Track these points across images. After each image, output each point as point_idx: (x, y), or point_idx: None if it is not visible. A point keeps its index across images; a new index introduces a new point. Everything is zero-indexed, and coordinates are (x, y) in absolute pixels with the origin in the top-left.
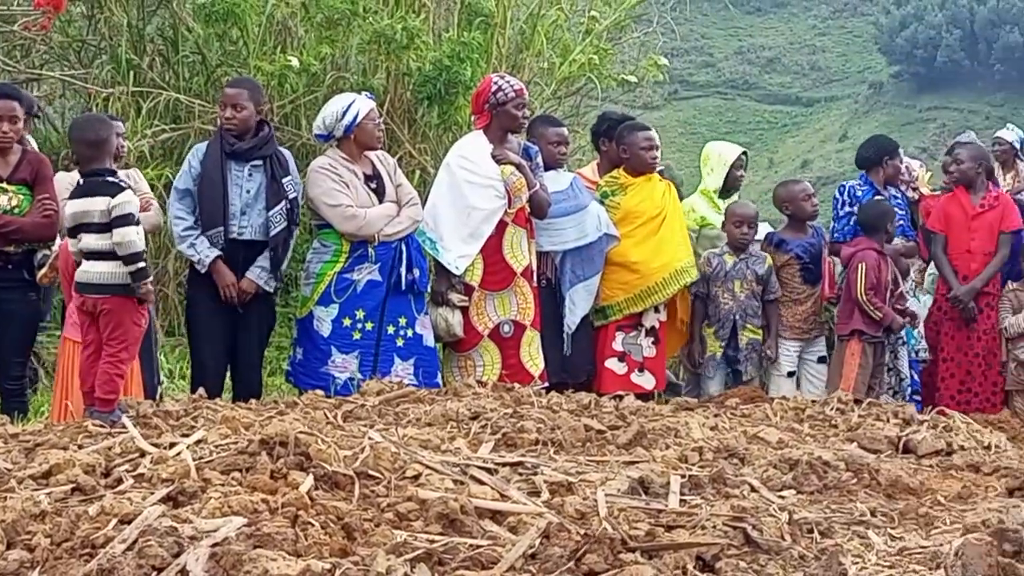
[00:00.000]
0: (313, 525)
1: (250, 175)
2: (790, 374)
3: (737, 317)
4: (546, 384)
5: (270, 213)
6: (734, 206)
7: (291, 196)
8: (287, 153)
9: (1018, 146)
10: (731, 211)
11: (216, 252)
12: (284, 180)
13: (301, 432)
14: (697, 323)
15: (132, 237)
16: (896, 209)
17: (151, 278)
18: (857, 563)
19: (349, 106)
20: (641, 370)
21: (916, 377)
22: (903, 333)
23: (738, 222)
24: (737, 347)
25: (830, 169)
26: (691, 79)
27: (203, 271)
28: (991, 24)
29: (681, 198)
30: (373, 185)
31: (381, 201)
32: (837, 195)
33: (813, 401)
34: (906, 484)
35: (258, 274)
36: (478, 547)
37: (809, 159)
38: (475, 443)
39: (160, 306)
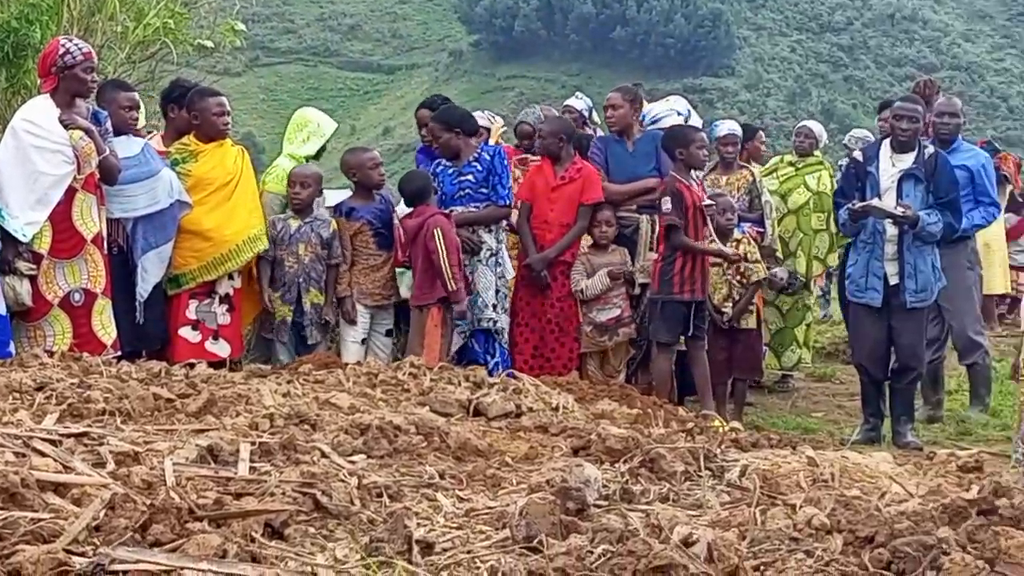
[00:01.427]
0: None
1: None
2: (363, 341)
3: (301, 280)
4: (119, 353)
5: None
6: (296, 168)
7: None
8: None
9: (587, 114)
10: (291, 173)
11: None
12: None
13: None
14: (264, 287)
15: None
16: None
17: None
18: (425, 525)
19: None
20: (216, 338)
21: (476, 347)
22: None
23: (292, 182)
24: (302, 311)
25: (411, 136)
26: (272, 45)
27: None
28: None
29: (261, 165)
30: None
31: None
32: None
33: (386, 366)
34: (475, 446)
35: None
36: (39, 521)
37: (391, 126)
38: (39, 414)
39: None
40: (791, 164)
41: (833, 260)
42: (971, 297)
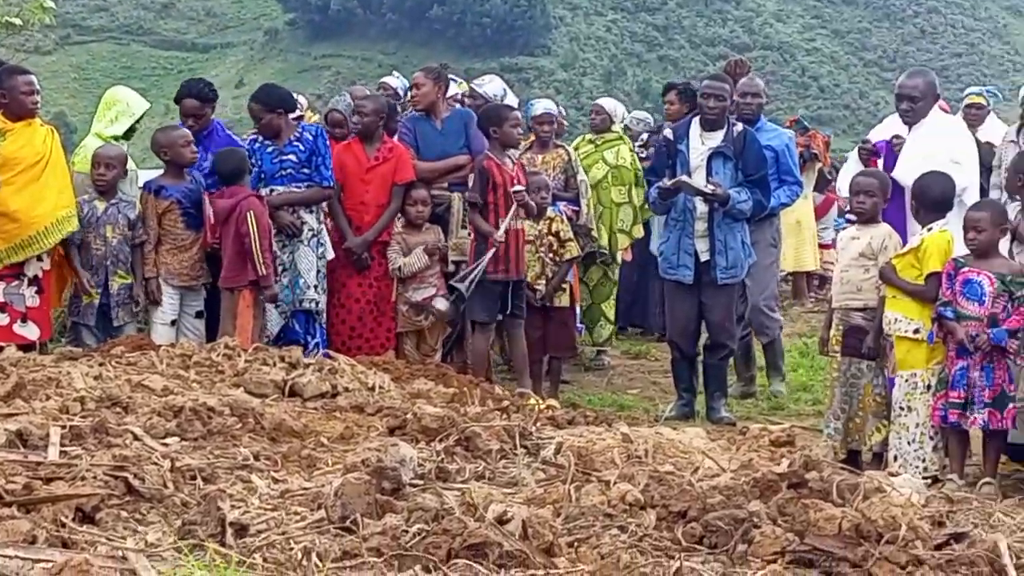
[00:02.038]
0: None
1: None
2: (173, 323)
3: (109, 263)
4: None
5: None
6: (99, 149)
7: None
8: None
9: (403, 93)
10: (95, 154)
11: None
12: None
13: None
14: (80, 270)
15: None
16: None
17: None
18: (239, 507)
19: None
20: (24, 320)
21: (297, 327)
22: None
23: (96, 163)
24: (109, 294)
25: (227, 116)
26: (84, 23)
27: None
28: None
29: (73, 145)
30: None
31: None
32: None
33: (201, 347)
34: (290, 427)
35: None
36: None
37: None
38: None
39: None
40: (591, 142)
41: (638, 232)
42: (772, 275)
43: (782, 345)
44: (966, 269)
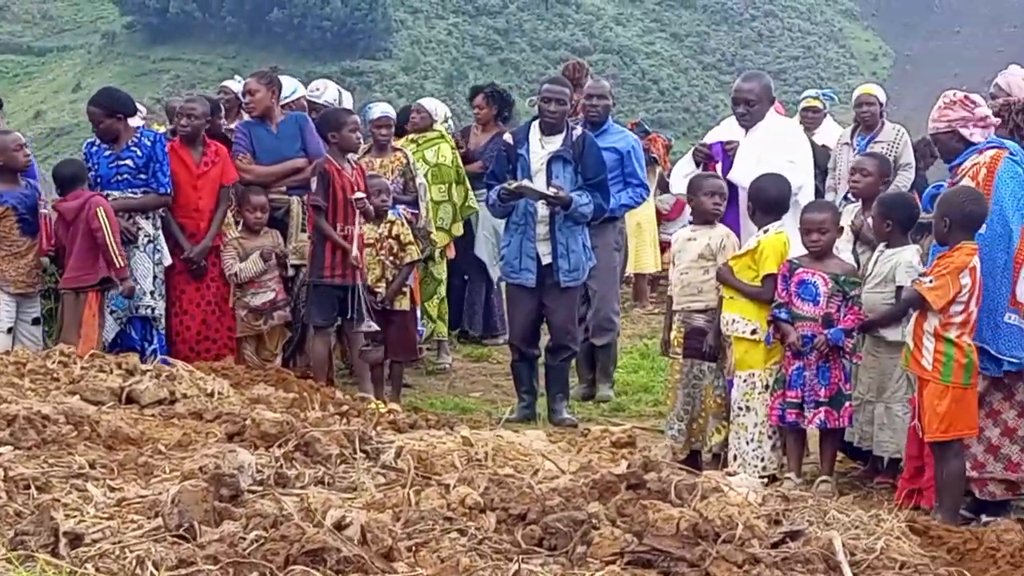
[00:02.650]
0: None
1: None
2: (9, 330)
3: None
4: None
5: None
6: None
7: None
8: None
9: (243, 97)
10: None
11: None
12: None
13: None
14: None
15: None
16: None
17: None
18: (75, 516)
19: None
20: None
21: (134, 334)
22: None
23: None
24: None
25: (64, 120)
26: None
27: None
28: None
29: None
30: None
31: None
32: None
33: (36, 354)
34: (127, 434)
35: None
36: None
37: (43, 110)
38: None
39: None
40: (413, 141)
41: (458, 230)
42: (614, 278)
43: (617, 351)
44: (801, 270)
